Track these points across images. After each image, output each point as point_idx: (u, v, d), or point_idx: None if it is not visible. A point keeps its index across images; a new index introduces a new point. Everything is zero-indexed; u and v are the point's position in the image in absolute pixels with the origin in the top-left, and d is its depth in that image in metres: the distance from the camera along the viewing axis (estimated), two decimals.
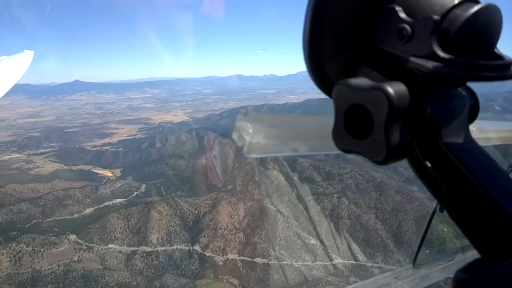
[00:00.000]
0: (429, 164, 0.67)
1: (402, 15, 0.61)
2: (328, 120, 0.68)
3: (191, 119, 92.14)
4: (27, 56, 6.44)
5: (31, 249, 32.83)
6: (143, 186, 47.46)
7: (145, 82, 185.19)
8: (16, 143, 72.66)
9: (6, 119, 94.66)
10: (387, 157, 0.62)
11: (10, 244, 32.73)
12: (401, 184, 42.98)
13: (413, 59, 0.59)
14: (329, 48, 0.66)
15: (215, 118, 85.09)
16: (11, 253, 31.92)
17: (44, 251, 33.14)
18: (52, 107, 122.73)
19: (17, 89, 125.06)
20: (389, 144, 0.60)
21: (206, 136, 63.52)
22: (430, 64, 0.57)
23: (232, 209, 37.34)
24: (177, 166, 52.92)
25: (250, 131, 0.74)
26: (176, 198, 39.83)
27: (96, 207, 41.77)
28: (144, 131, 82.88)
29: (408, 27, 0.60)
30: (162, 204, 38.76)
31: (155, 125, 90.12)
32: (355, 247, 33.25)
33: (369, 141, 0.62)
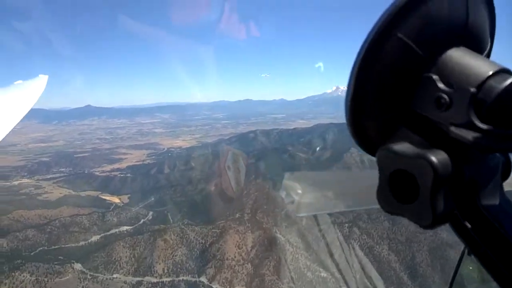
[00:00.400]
0: (468, 225, 0.69)
1: (440, 85, 0.65)
2: (368, 175, 0.71)
3: (200, 144, 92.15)
4: (42, 81, 6.39)
5: (35, 278, 32.18)
6: (150, 213, 47.06)
7: (155, 107, 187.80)
8: (26, 168, 73.07)
9: (17, 144, 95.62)
10: (433, 223, 0.65)
11: (13, 274, 32.14)
12: None
13: (453, 128, 0.63)
14: (370, 111, 0.72)
15: (224, 143, 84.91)
16: (13, 283, 31.26)
17: (47, 281, 32.44)
18: (63, 132, 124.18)
19: (30, 114, 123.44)
20: (435, 211, 0.64)
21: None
22: (470, 135, 0.61)
23: (240, 238, 36.41)
24: (184, 192, 52.52)
25: (299, 191, 0.83)
26: (182, 227, 39.11)
27: (102, 234, 41.23)
28: (153, 157, 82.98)
29: (446, 96, 0.64)
30: (168, 233, 38.03)
31: (164, 150, 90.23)
32: (368, 280, 31.95)
33: (414, 207, 0.66)
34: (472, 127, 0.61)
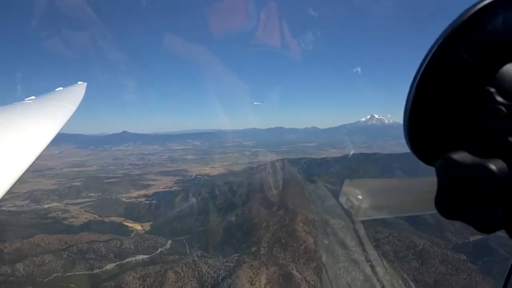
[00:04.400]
0: None
1: (498, 97, 0.70)
2: (425, 181, 0.79)
3: (227, 172, 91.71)
4: (81, 87, 6.63)
5: None
6: (169, 242, 46.44)
7: (188, 133, 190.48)
8: (57, 192, 75.24)
9: (53, 168, 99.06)
10: (492, 228, 0.69)
11: None
12: (448, 252, 38.72)
13: (511, 139, 0.68)
14: (429, 122, 0.77)
15: (251, 171, 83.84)
16: None
17: None
18: (98, 157, 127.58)
19: (68, 139, 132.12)
20: (494, 216, 0.68)
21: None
22: None
23: (253, 274, 34.60)
24: (205, 222, 51.73)
25: (359, 197, 0.92)
26: (196, 259, 37.89)
27: (118, 262, 40.83)
28: (181, 184, 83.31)
29: (503, 108, 0.69)
30: (180, 265, 36.88)
31: (192, 177, 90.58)
32: None
33: (473, 212, 0.70)
34: None
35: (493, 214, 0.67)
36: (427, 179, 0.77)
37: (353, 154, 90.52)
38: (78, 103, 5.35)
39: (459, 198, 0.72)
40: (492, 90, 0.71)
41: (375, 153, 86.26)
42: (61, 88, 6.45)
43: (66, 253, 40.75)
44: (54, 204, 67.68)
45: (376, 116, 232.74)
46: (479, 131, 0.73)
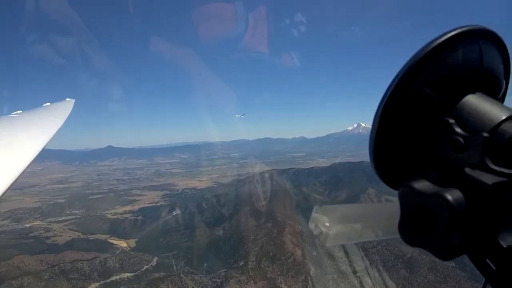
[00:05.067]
0: (489, 262, 0.71)
1: (457, 128, 0.73)
2: (392, 206, 0.79)
3: (215, 185, 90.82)
4: (69, 103, 6.68)
5: None
6: (155, 259, 45.42)
7: (174, 147, 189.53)
8: (40, 210, 73.21)
9: (36, 185, 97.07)
10: (449, 255, 0.71)
11: None
12: (436, 260, 37.75)
13: (467, 170, 0.70)
14: (393, 151, 0.80)
15: (239, 184, 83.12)
16: None
17: None
18: (83, 173, 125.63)
19: (52, 155, 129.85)
20: (451, 245, 0.69)
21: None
22: (484, 176, 0.67)
23: None
24: (192, 237, 50.78)
25: (327, 224, 0.94)
26: (182, 275, 36.95)
27: (102, 282, 39.70)
28: (167, 198, 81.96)
29: (461, 139, 0.71)
30: (166, 282, 35.90)
31: (179, 191, 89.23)
32: None
33: (432, 240, 0.71)
34: (485, 168, 0.67)
35: (450, 242, 0.69)
36: (394, 204, 0.75)
37: (340, 163, 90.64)
38: (65, 118, 5.34)
39: (420, 225, 0.73)
40: (452, 121, 0.73)
41: (362, 162, 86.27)
42: (48, 104, 6.52)
43: (48, 273, 39.33)
44: (37, 222, 65.70)
45: (363, 125, 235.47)
46: (440, 160, 0.75)
